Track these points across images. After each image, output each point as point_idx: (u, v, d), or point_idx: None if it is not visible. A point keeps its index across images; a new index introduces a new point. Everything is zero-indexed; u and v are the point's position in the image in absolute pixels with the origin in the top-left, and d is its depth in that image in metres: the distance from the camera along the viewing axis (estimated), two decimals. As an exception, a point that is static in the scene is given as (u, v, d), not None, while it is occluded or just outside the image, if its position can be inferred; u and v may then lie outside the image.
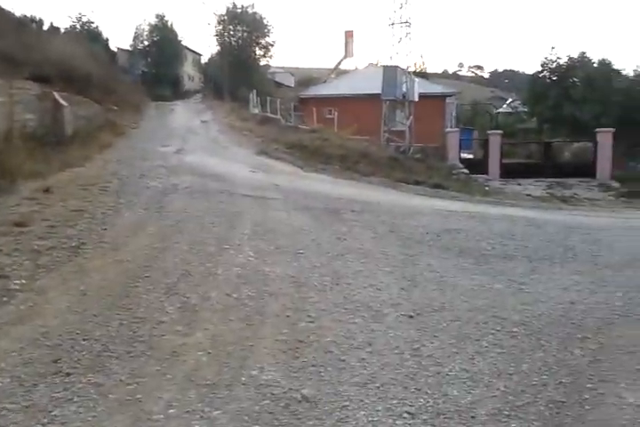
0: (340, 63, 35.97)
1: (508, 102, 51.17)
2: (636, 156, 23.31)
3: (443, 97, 27.89)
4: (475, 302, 5.41)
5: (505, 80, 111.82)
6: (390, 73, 19.95)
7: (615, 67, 25.08)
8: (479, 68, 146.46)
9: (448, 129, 21.77)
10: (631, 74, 23.70)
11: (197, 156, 14.63)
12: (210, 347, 4.26)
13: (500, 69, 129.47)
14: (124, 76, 33.71)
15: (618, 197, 17.33)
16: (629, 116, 20.90)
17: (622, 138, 20.89)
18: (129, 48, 40.51)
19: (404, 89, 20.34)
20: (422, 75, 44.58)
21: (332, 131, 19.76)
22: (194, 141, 17.77)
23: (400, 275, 6.16)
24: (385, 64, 21.44)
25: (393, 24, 20.85)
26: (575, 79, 24.55)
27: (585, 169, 20.11)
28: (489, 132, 22.06)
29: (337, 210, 9.22)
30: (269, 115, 23.68)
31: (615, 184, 18.66)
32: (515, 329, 4.77)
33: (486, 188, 16.78)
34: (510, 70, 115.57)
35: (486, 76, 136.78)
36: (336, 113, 23.06)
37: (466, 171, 18.20)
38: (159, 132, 19.90)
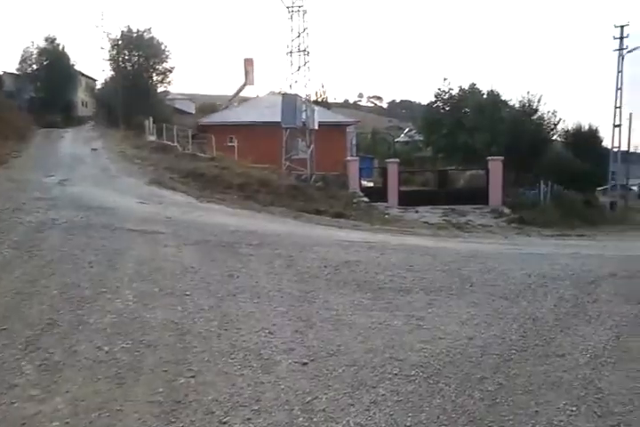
0: (240, 90, 35.77)
1: (405, 132, 53.19)
2: (525, 182, 24.71)
3: (343, 126, 28.36)
4: (372, 343, 5.12)
5: (402, 110, 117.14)
6: (289, 101, 19.95)
7: (503, 97, 26.80)
8: (378, 98, 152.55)
9: (348, 157, 22.04)
10: (517, 104, 25.35)
11: (83, 186, 13.65)
12: (69, 415, 3.68)
13: (398, 100, 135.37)
14: (8, 101, 31.48)
15: (509, 223, 18.11)
16: (517, 145, 22.17)
17: (512, 165, 22.09)
18: (16, 72, 38.05)
19: (304, 117, 20.38)
20: (323, 104, 45.43)
21: (231, 159, 19.32)
22: (81, 171, 16.64)
23: (295, 315, 5.77)
24: (284, 92, 21.44)
25: (291, 52, 20.97)
26: (467, 109, 25.87)
27: (478, 196, 20.98)
28: (387, 160, 22.55)
29: (232, 244, 8.73)
30: (166, 142, 22.85)
31: (506, 210, 19.55)
32: (413, 372, 4.51)
33: (386, 215, 16.96)
34: (407, 101, 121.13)
35: (385, 106, 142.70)
36: (236, 141, 22.67)
37: (366, 199, 18.36)
38: (44, 162, 18.53)
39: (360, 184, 20.97)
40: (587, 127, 44.48)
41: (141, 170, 17.67)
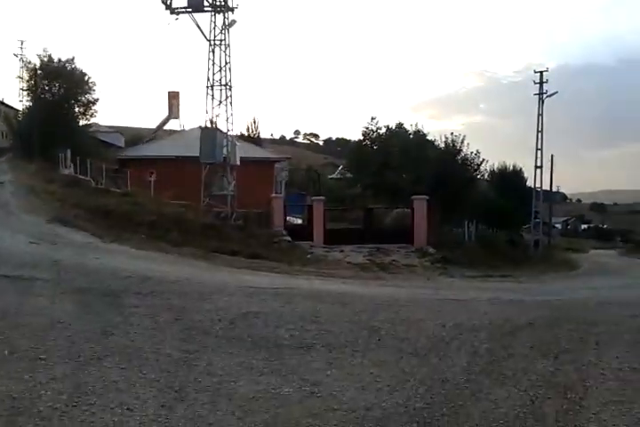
0: (163, 124, 34.83)
1: (339, 169, 53.40)
2: (451, 221, 24.78)
3: (271, 162, 27.85)
4: (251, 419, 4.31)
5: (338, 148, 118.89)
6: (209, 135, 19.26)
7: (428, 137, 27.23)
8: (314, 135, 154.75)
9: (273, 194, 21.39)
10: (442, 145, 25.71)
11: (-33, 224, 12.27)
12: None
13: (334, 137, 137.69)
14: None
15: (433, 262, 17.84)
16: (442, 184, 22.27)
17: (437, 204, 22.09)
18: None
19: (225, 152, 19.68)
20: (255, 139, 45.09)
21: (147, 195, 18.24)
22: (-27, 206, 15.16)
23: (167, 384, 4.88)
24: (203, 126, 20.73)
25: (212, 86, 20.39)
26: (394, 148, 26.00)
27: (404, 235, 20.73)
28: (312, 198, 22.08)
29: (119, 293, 7.74)
30: (80, 176, 21.51)
31: (431, 250, 19.34)
32: (290, 462, 3.72)
33: (308, 256, 16.30)
34: (342, 138, 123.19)
35: (321, 143, 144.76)
36: (154, 175, 21.60)
37: (288, 238, 17.67)
38: None
39: (284, 222, 20.32)
40: (511, 168, 46.30)
41: (46, 206, 16.32)
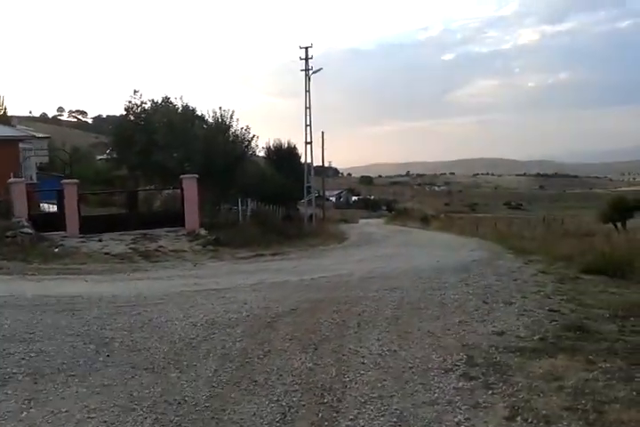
0: None
1: (110, 149, 48.99)
2: (227, 200, 23.87)
3: (13, 141, 23.82)
4: None
5: (109, 126, 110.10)
6: None
7: (198, 113, 25.68)
8: (82, 112, 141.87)
9: (12, 179, 18.07)
10: (211, 120, 24.42)
11: None
12: None
13: (104, 115, 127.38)
14: None
15: (205, 245, 16.76)
16: (212, 161, 21.11)
17: (209, 183, 20.96)
18: None
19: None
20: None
21: None
22: None
23: None
24: None
25: None
26: (159, 125, 23.95)
27: (175, 218, 19.23)
28: (63, 181, 19.26)
29: None
30: None
31: (203, 232, 18.21)
32: None
33: (56, 249, 13.95)
34: (113, 115, 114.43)
35: (90, 121, 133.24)
36: None
37: (29, 230, 14.96)
38: None
39: (29, 210, 17.28)
40: (286, 145, 47.14)
41: None
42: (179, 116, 23.63)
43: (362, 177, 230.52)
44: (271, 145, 47.37)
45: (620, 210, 36.88)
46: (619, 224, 35.80)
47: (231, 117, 23.94)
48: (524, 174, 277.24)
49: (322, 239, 22.05)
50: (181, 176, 19.63)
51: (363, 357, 5.43)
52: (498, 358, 5.44)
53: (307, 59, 28.65)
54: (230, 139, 23.35)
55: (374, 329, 6.40)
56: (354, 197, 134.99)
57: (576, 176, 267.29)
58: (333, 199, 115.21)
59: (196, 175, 19.38)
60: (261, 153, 26.70)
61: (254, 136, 25.61)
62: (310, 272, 10.73)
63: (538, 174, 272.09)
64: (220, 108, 24.30)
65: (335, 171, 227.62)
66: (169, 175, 22.43)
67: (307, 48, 28.64)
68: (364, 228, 40.46)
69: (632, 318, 7.11)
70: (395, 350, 5.67)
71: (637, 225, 38.03)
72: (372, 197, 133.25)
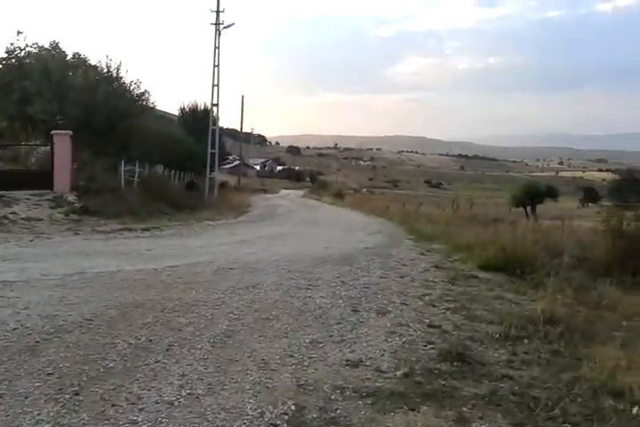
0: None
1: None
2: (115, 163, 21.20)
3: None
4: None
5: None
6: None
7: (89, 61, 22.55)
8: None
9: None
10: (100, 69, 21.37)
11: None
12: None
13: None
14: None
15: (68, 214, 14.38)
16: (91, 118, 18.38)
17: (89, 141, 18.34)
18: None
19: None
20: None
21: None
22: None
23: None
24: None
25: None
26: (40, 72, 20.72)
27: (43, 179, 16.58)
28: None
29: None
30: None
31: (72, 198, 15.74)
32: None
33: None
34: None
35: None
36: None
37: None
38: None
39: None
40: (202, 106, 43.82)
41: None
42: (56, 63, 20.45)
43: (289, 147, 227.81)
44: (185, 106, 44.27)
45: (530, 195, 37.18)
46: (529, 209, 36.12)
47: (118, 69, 21.11)
48: (447, 154, 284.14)
49: (217, 212, 20.01)
50: (52, 132, 16.92)
51: (141, 410, 3.65)
52: (338, 412, 3.85)
53: (218, 11, 25.89)
54: (115, 92, 20.50)
55: (187, 356, 4.63)
56: (279, 167, 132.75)
57: (494, 159, 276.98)
58: (258, 168, 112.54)
59: (70, 132, 16.73)
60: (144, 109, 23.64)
61: (146, 91, 22.93)
62: (163, 258, 8.80)
63: (459, 155, 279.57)
64: (107, 56, 21.37)
65: (263, 139, 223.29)
66: (44, 130, 19.49)
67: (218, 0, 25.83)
68: (276, 200, 38.61)
69: (525, 340, 5.77)
70: (198, 396, 3.93)
71: (546, 210, 38.72)
72: (297, 168, 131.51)
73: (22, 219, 13.20)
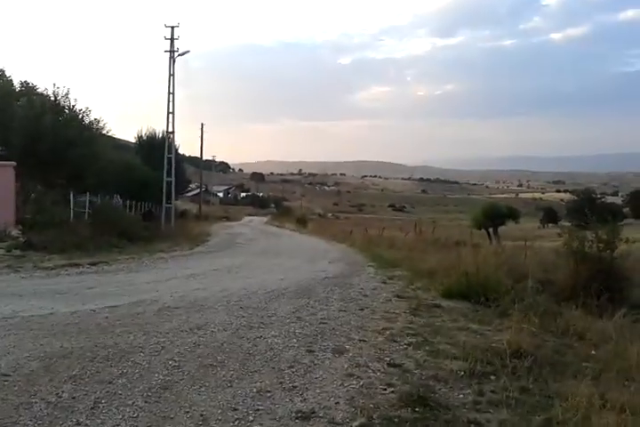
0: None
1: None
2: (48, 193, 20.17)
3: None
4: None
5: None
6: None
7: (37, 89, 21.88)
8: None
9: None
10: (51, 97, 20.65)
11: None
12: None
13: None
14: None
15: (10, 249, 13.52)
16: (36, 147, 17.56)
17: (36, 172, 17.52)
18: None
19: None
20: None
21: None
22: None
23: None
24: None
25: None
26: None
27: None
28: None
29: None
30: None
31: (15, 232, 14.89)
32: None
33: None
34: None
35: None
36: None
37: None
38: None
39: None
40: (160, 135, 43.15)
41: None
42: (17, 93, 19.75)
43: (253, 173, 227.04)
44: (143, 134, 43.52)
45: (492, 217, 37.37)
46: (491, 231, 36.28)
47: (66, 96, 20.47)
48: (409, 178, 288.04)
49: (173, 243, 19.23)
50: (-6, 163, 16.13)
51: None
52: (283, 479, 3.34)
53: (172, 39, 25.52)
54: (62, 121, 19.77)
55: (115, 415, 4.04)
56: (243, 194, 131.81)
57: (456, 182, 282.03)
58: (221, 195, 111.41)
59: (13, 163, 15.94)
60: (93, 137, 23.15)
61: (96, 119, 22.34)
62: (103, 297, 8.13)
63: (421, 179, 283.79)
64: (55, 84, 20.74)
65: (226, 166, 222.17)
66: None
67: (172, 27, 25.51)
68: (237, 228, 37.83)
69: (492, 377, 5.36)
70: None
71: (508, 232, 39.03)
72: (261, 195, 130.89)
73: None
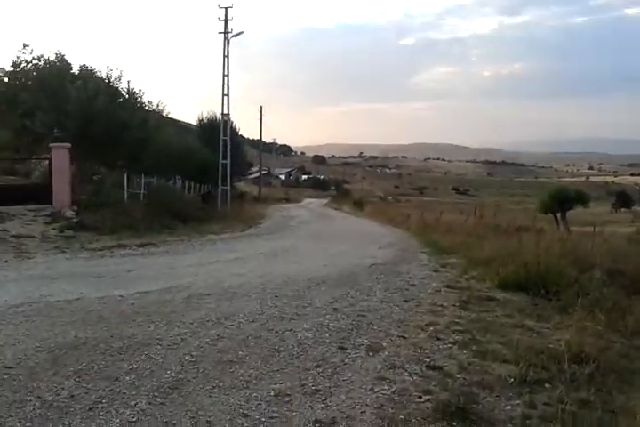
0: None
1: None
2: (108, 175, 20.42)
3: None
4: None
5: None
6: None
7: (96, 72, 22.09)
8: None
9: None
10: (105, 80, 20.83)
11: None
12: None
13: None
14: None
15: (63, 230, 13.66)
16: (90, 129, 17.65)
17: (92, 153, 17.70)
18: None
19: None
20: None
21: None
22: None
23: None
24: None
25: None
26: (47, 84, 20.27)
27: (42, 194, 15.95)
28: None
29: None
30: None
31: (69, 213, 15.04)
32: None
33: None
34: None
35: None
36: None
37: None
38: None
39: None
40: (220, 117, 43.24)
41: None
42: (54, 74, 19.97)
43: (315, 156, 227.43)
44: (204, 117, 43.77)
45: (560, 201, 35.51)
46: (559, 215, 34.47)
47: (119, 78, 20.57)
48: (474, 161, 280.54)
49: (226, 224, 19.10)
50: (51, 144, 16.33)
51: None
52: None
53: (226, 20, 25.16)
54: (117, 103, 19.85)
55: (113, 418, 3.67)
56: (304, 176, 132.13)
57: (523, 165, 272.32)
58: (283, 177, 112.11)
59: (68, 144, 16.09)
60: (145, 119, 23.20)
61: (149, 102, 22.44)
62: (138, 281, 7.88)
63: (486, 161, 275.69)
64: (108, 66, 20.88)
65: (289, 149, 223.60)
66: (45, 143, 18.92)
67: (226, 8, 25.15)
68: (294, 210, 37.61)
69: (547, 385, 4.67)
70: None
71: (577, 216, 36.98)
72: (322, 177, 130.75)
73: (12, 236, 12.50)
